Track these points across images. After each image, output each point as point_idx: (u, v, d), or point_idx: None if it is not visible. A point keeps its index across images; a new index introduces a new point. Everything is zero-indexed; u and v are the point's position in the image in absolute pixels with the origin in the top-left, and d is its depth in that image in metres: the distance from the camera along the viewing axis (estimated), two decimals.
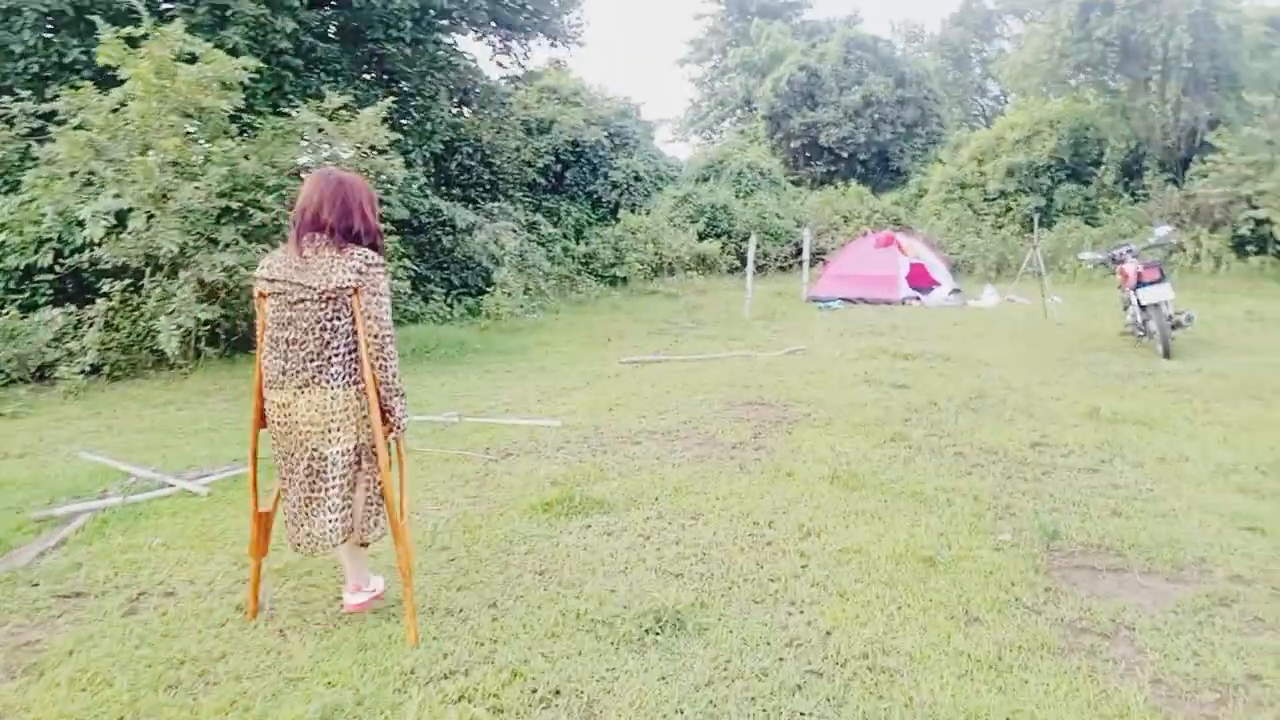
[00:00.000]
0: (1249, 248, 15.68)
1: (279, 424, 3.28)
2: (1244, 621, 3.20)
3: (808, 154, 28.13)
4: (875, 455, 5.54)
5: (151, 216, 8.35)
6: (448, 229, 14.02)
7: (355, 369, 3.24)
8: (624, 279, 17.65)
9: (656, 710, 2.77)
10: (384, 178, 10.19)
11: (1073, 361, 8.58)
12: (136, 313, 9.35)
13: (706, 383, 8.09)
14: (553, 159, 21.68)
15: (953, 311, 13.35)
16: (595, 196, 22.05)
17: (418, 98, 13.23)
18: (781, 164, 26.21)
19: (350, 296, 3.19)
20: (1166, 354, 8.37)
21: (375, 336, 3.21)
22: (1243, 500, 4.49)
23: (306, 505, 3.30)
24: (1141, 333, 9.00)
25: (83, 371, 8.94)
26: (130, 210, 8.29)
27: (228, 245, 8.74)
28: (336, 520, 3.29)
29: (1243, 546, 3.89)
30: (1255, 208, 15.33)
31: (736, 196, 21.97)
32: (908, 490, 4.81)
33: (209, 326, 9.56)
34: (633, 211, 20.16)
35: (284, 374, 3.23)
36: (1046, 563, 3.82)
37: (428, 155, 14.35)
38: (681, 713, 2.75)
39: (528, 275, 14.82)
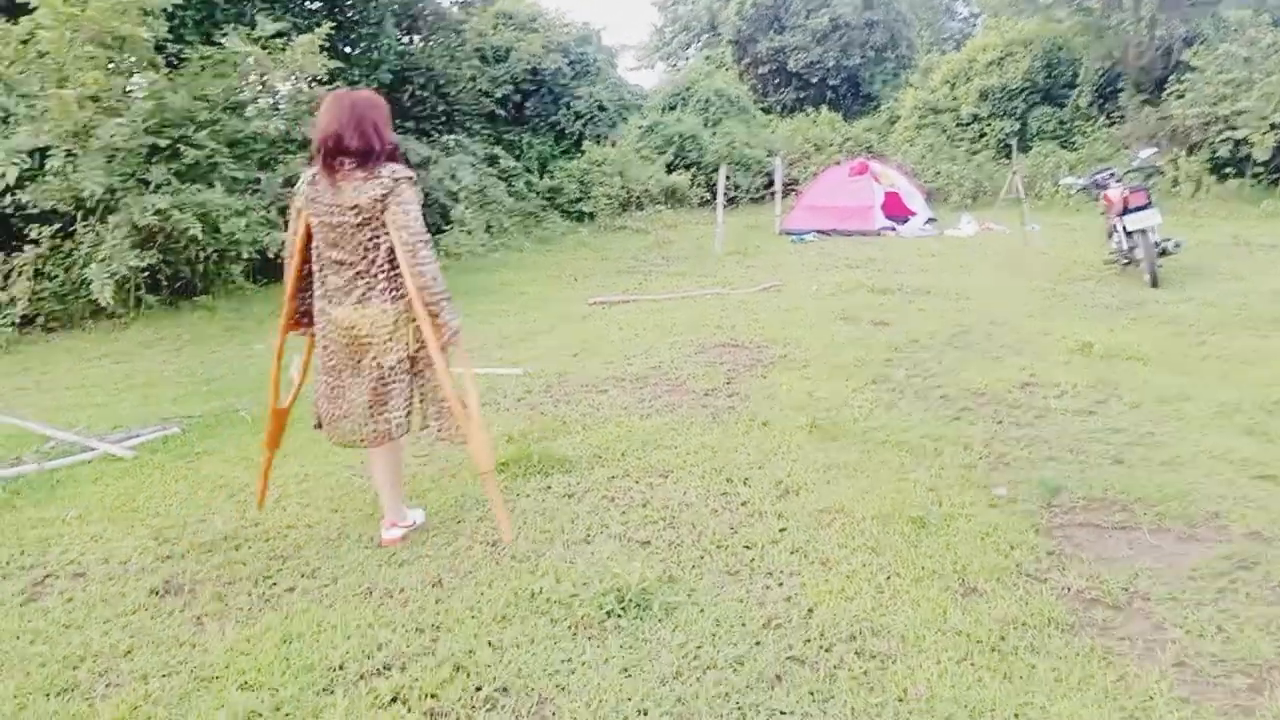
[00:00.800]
0: (1227, 170, 15.33)
1: (337, 338, 3.41)
2: (1270, 588, 2.89)
3: (777, 80, 27.33)
4: (856, 400, 5.19)
5: (72, 155, 7.71)
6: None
7: (399, 284, 3.33)
8: (591, 214, 17.04)
9: (616, 711, 2.43)
10: None
11: (1058, 292, 8.25)
12: (69, 260, 8.77)
13: (677, 324, 7.68)
14: (511, 89, 20.78)
15: (930, 242, 12.96)
16: (558, 128, 21.25)
17: (362, 25, 12.44)
18: (750, 91, 25.40)
19: (382, 213, 3.26)
20: (1154, 282, 8.05)
21: (407, 244, 3.27)
22: (1251, 444, 4.18)
23: (370, 408, 3.41)
24: (1127, 260, 8.66)
25: (13, 323, 8.40)
26: (49, 149, 7.64)
27: (159, 186, 8.14)
28: (398, 414, 3.43)
29: (1258, 498, 3.58)
30: (1234, 128, 14.92)
31: (705, 125, 21.26)
32: (892, 439, 4.47)
33: (148, 273, 9.00)
34: (598, 143, 19.44)
35: (339, 291, 3.36)
36: (1047, 521, 3.50)
37: (375, 86, 13.57)
38: (645, 714, 2.41)
39: (489, 212, 14.22)
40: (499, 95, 20.42)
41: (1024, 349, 6.20)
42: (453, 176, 12.49)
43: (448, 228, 12.24)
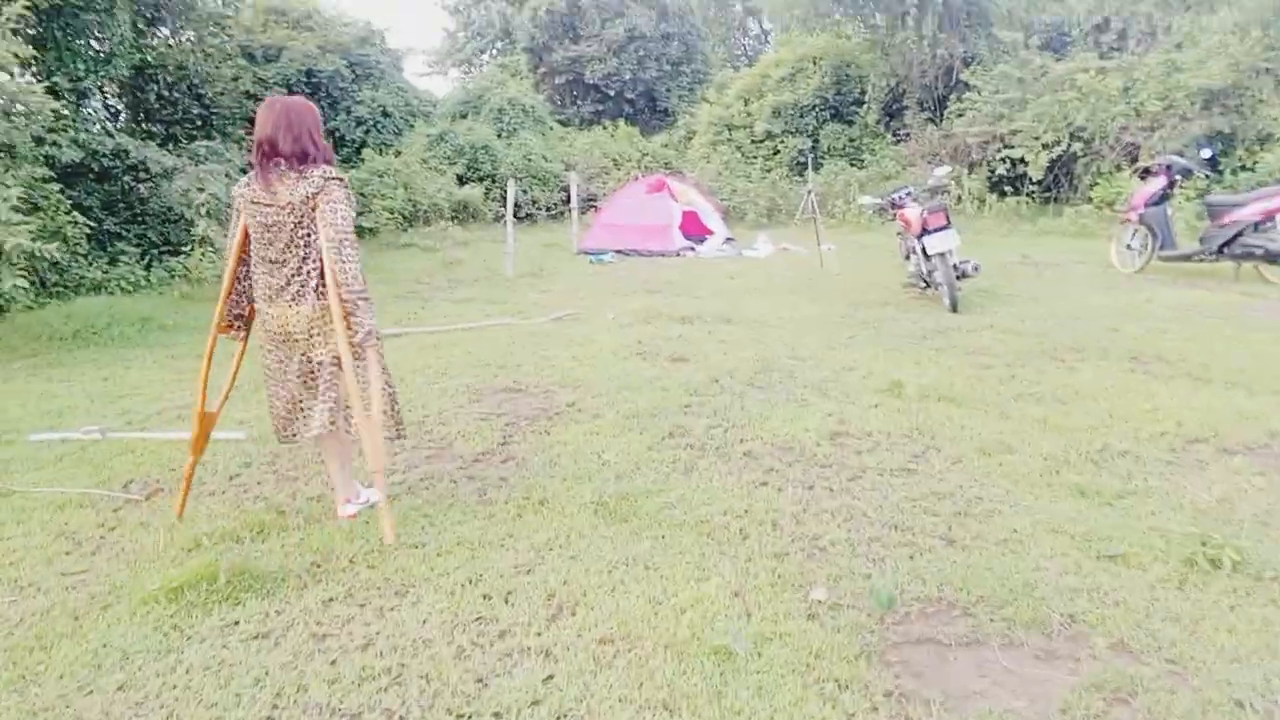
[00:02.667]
0: (1006, 188, 16.02)
1: (274, 333, 3.56)
2: None
3: (574, 92, 26.74)
4: (651, 461, 4.40)
5: None
6: (141, 174, 11.55)
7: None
8: (372, 230, 15.64)
9: None
10: (19, 109, 7.83)
11: (858, 320, 7.88)
12: None
13: (454, 363, 6.69)
14: (284, 91, 19.04)
15: (728, 263, 12.58)
16: (338, 134, 19.63)
17: (85, 10, 10.60)
18: (547, 102, 24.67)
19: (313, 211, 3.36)
20: (954, 307, 7.83)
21: (332, 240, 3.35)
22: (1088, 509, 3.70)
23: (300, 403, 3.61)
24: (925, 284, 8.45)
25: None
26: None
27: None
28: (324, 412, 3.57)
29: (1112, 589, 3.04)
30: (1010, 147, 15.60)
31: (499, 136, 20.29)
32: (691, 518, 3.70)
33: None
34: (383, 152, 18.03)
35: (273, 289, 3.46)
36: (879, 639, 2.80)
37: (104, 84, 11.76)
38: None
39: None
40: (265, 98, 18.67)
41: (830, 389, 5.65)
42: (200, 189, 10.84)
43: (185, 249, 10.58)
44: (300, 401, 3.63)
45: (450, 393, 5.83)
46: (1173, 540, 3.36)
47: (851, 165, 18.98)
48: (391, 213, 15.91)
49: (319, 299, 3.46)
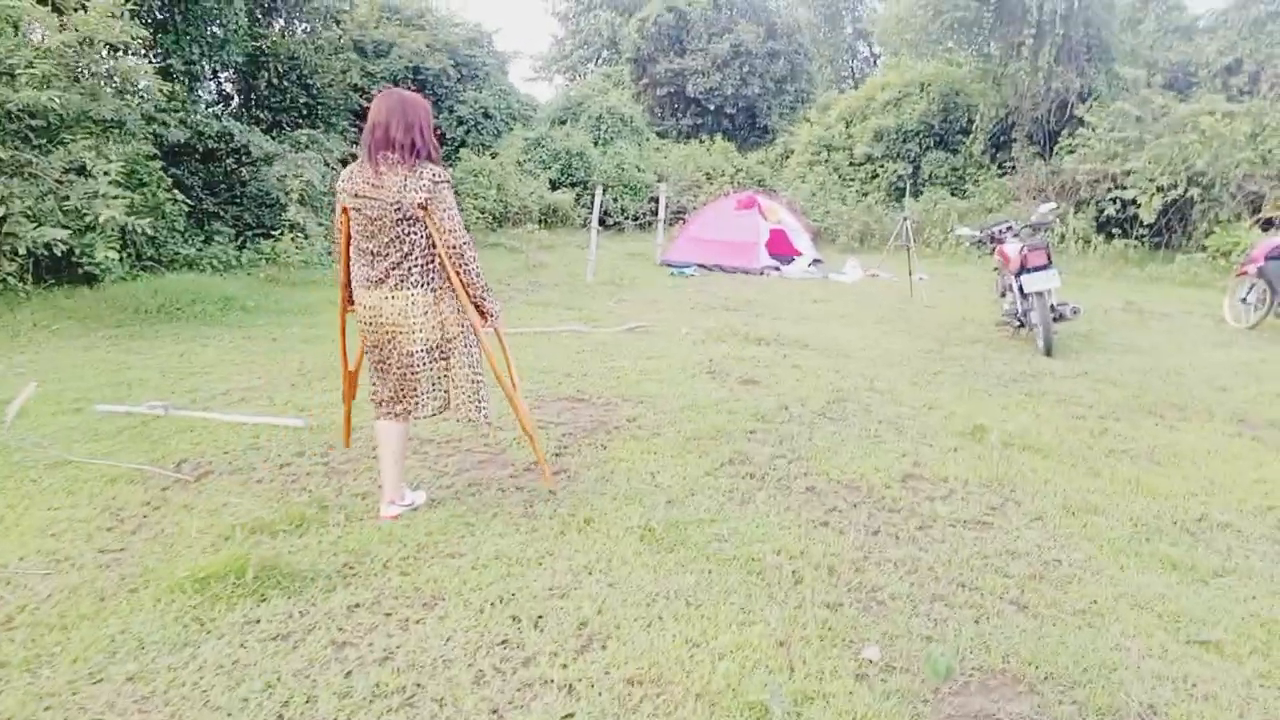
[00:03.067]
0: (1114, 230, 15.28)
1: (368, 323, 3.61)
2: None
3: (674, 104, 26.67)
4: (706, 488, 4.19)
5: None
6: (243, 158, 11.86)
7: (431, 275, 3.52)
8: (464, 229, 15.79)
9: None
10: (131, 87, 8.06)
11: (945, 355, 7.51)
12: None
13: (520, 367, 6.56)
14: (391, 86, 19.45)
15: (813, 285, 12.25)
16: (439, 132, 19.95)
17: (206, 0, 10.95)
18: (646, 112, 24.66)
19: (422, 212, 3.43)
20: (1048, 351, 7.40)
21: (453, 248, 3.50)
22: (1179, 585, 3.35)
23: (400, 390, 3.69)
24: (1020, 324, 8.02)
25: None
26: None
27: None
28: (427, 400, 3.68)
29: (1200, 678, 2.72)
30: (1122, 188, 14.87)
31: (595, 144, 20.33)
32: (742, 554, 3.48)
33: None
34: (480, 153, 18.22)
35: (370, 280, 3.53)
36: (932, 710, 2.54)
37: (219, 69, 12.12)
38: None
39: None
40: (374, 92, 19.09)
41: (907, 427, 5.35)
42: (297, 175, 11.06)
43: (276, 232, 10.78)
44: (398, 389, 3.69)
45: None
46: (1275, 630, 3.02)
47: (953, 195, 18.40)
48: (483, 212, 16.04)
49: (423, 291, 3.53)
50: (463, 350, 3.66)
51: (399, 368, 3.64)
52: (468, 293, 3.59)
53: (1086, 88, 16.62)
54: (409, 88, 19.82)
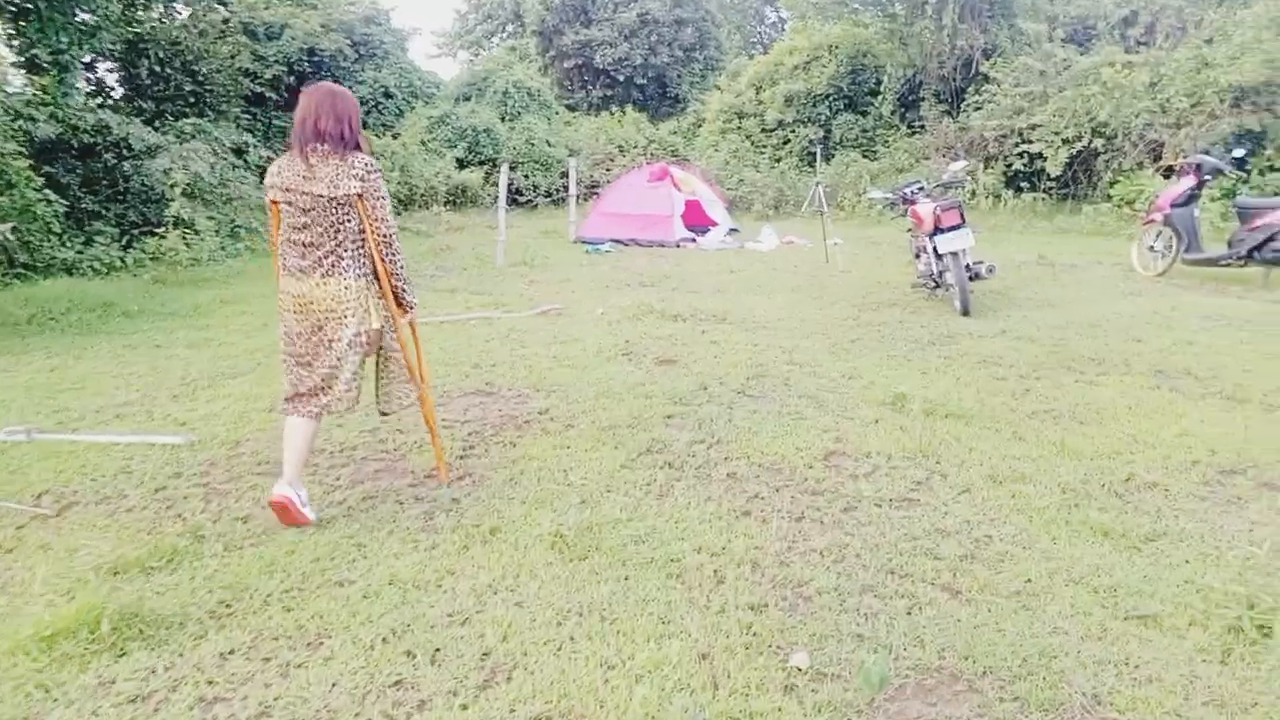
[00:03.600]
0: (1023, 184, 15.44)
1: (297, 312, 3.58)
2: None
3: (583, 76, 26.19)
4: (623, 483, 3.95)
5: None
6: (124, 151, 11.11)
7: (363, 262, 3.59)
8: None
9: None
10: None
11: (862, 321, 7.39)
12: None
13: (427, 360, 6.23)
14: (284, 69, 18.64)
15: (730, 256, 12.08)
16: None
17: None
18: (554, 85, 24.13)
19: (356, 200, 3.50)
20: (965, 310, 7.33)
21: (383, 236, 3.58)
22: (1113, 555, 3.23)
23: (324, 380, 3.62)
24: (936, 284, 7.94)
25: None
26: None
27: None
28: (344, 394, 3.63)
29: (1144, 660, 2.59)
30: (1029, 142, 15.02)
31: (502, 120, 19.78)
32: (660, 555, 3.25)
33: None
34: (379, 135, 17.54)
35: (302, 270, 3.54)
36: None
37: (94, 58, 11.33)
38: None
39: (233, 209, 12.13)
40: (268, 76, 18.29)
41: (827, 400, 5.18)
42: (184, 167, 10.39)
43: (160, 230, 10.12)
44: (326, 378, 3.62)
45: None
46: (1212, 599, 2.91)
47: (864, 157, 18.42)
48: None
49: (355, 279, 3.56)
50: (390, 340, 3.78)
51: (325, 355, 3.60)
52: (390, 282, 3.67)
53: (990, 44, 16.73)
54: (303, 71, 19.08)
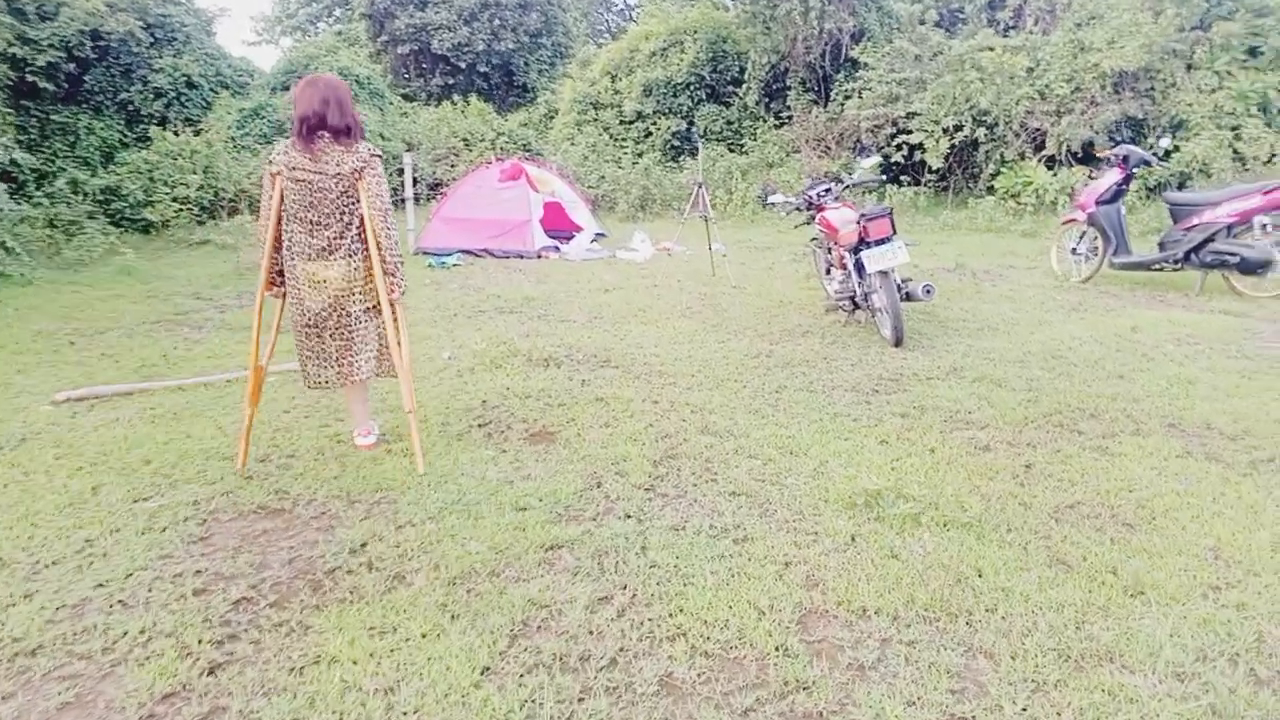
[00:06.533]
0: (903, 177, 14.50)
1: (310, 288, 3.89)
2: None
3: (420, 63, 23.91)
4: (484, 715, 2.28)
5: None
6: None
7: (365, 244, 3.90)
8: (163, 224, 12.73)
9: None
10: None
11: (779, 360, 5.90)
12: None
13: (185, 453, 4.35)
14: (62, 55, 15.73)
15: (600, 268, 10.44)
16: (131, 108, 16.42)
17: None
18: (387, 73, 21.83)
19: (357, 180, 3.81)
20: (898, 340, 5.97)
21: (379, 211, 3.85)
22: None
23: (342, 351, 4.00)
24: (854, 305, 6.57)
25: None
26: None
27: None
28: (369, 359, 4.06)
29: None
30: (907, 132, 14.05)
31: None
32: None
33: None
34: (178, 131, 14.96)
35: (313, 249, 3.84)
36: None
37: None
38: None
39: None
40: (42, 63, 15.40)
41: (772, 501, 3.64)
42: None
43: None
44: (340, 352, 4.00)
45: (154, 533, 3.52)
46: None
47: (730, 150, 17.17)
48: (180, 203, 12.97)
49: (354, 258, 3.89)
50: (383, 312, 3.99)
51: (340, 330, 3.92)
52: (383, 258, 3.89)
53: (859, 27, 15.72)
54: (86, 57, 16.19)
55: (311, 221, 3.80)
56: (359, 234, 3.86)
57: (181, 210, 12.80)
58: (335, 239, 3.82)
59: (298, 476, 4.04)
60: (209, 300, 8.48)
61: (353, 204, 3.82)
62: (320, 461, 4.22)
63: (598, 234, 12.45)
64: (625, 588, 2.98)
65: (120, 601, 2.99)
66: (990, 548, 3.20)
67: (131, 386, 5.52)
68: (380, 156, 3.88)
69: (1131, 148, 8.09)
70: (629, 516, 3.53)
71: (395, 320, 4.01)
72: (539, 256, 11.09)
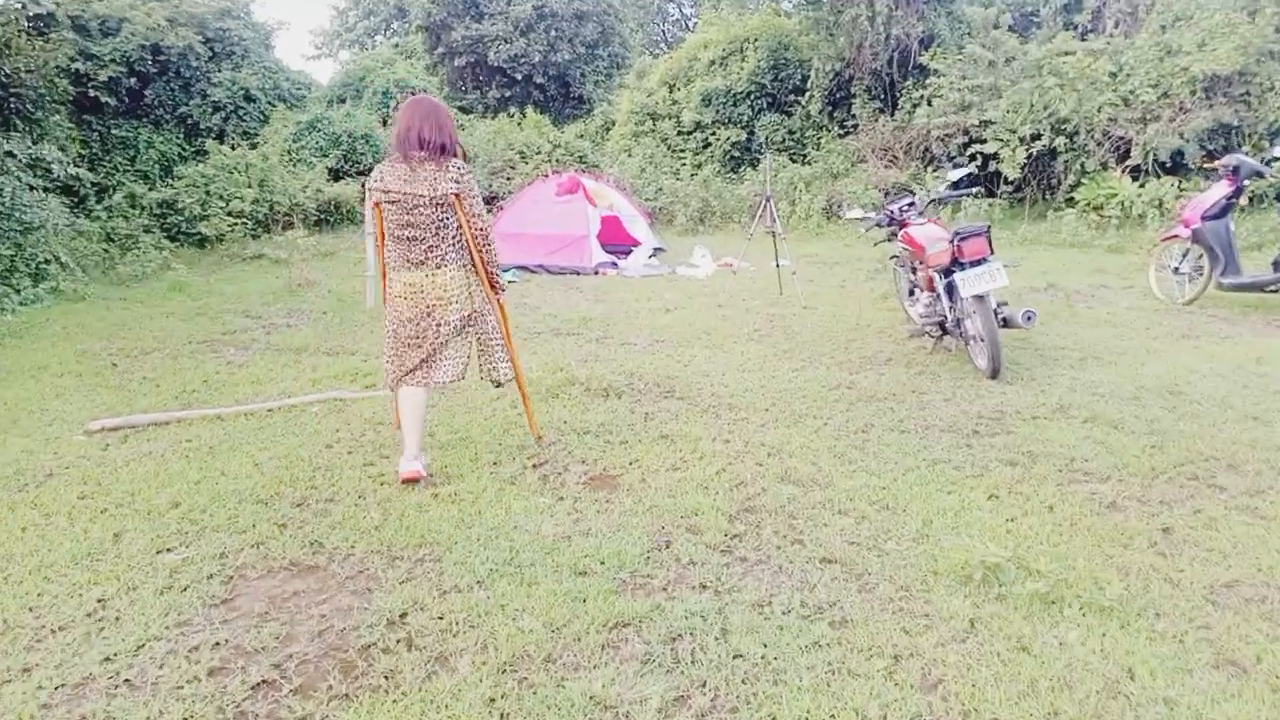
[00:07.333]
0: (975, 188, 13.80)
1: (407, 299, 4.07)
2: None
3: (477, 75, 23.78)
4: None
5: None
6: None
7: (462, 254, 4.11)
8: (218, 239, 12.61)
9: None
10: None
11: (862, 393, 5.38)
12: None
13: (218, 495, 4.00)
14: (124, 70, 15.85)
15: (661, 284, 9.99)
16: (190, 122, 16.46)
17: None
18: (444, 85, 21.70)
19: (454, 200, 3.99)
20: (995, 372, 5.41)
21: (480, 230, 4.09)
22: None
23: (432, 357, 4.11)
24: (942, 331, 6.02)
25: None
26: None
27: None
28: (449, 366, 4.14)
29: None
30: (981, 141, 13.36)
31: (384, 124, 17.29)
32: None
33: None
34: (234, 145, 14.90)
35: (410, 262, 4.04)
36: None
37: None
38: None
39: (35, 240, 9.52)
40: (103, 78, 15.55)
41: (870, 571, 3.14)
42: None
43: None
44: (434, 355, 4.10)
45: (174, 593, 3.16)
46: None
47: (793, 160, 16.62)
48: (235, 217, 12.84)
49: (459, 269, 4.09)
50: (486, 319, 4.24)
51: (434, 337, 4.07)
52: (486, 269, 4.16)
53: (928, 32, 15.08)
54: (146, 71, 16.26)
55: (408, 237, 3.99)
56: (454, 245, 4.04)
57: (236, 224, 12.67)
58: (429, 251, 4.00)
59: (335, 525, 3.65)
60: (258, 319, 8.22)
61: (446, 217, 3.99)
62: (361, 508, 3.83)
63: (656, 248, 12.01)
64: (704, 685, 2.51)
65: (126, 681, 2.62)
66: (1140, 641, 2.67)
67: (168, 416, 5.21)
68: (473, 174, 4.08)
69: (1243, 157, 7.40)
70: (705, 587, 3.06)
71: (504, 316, 4.30)
72: (596, 273, 10.68)
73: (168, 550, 3.49)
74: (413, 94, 18.63)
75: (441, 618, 2.91)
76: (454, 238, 4.02)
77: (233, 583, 3.22)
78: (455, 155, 4.03)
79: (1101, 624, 2.76)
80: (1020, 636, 2.70)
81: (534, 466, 4.26)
